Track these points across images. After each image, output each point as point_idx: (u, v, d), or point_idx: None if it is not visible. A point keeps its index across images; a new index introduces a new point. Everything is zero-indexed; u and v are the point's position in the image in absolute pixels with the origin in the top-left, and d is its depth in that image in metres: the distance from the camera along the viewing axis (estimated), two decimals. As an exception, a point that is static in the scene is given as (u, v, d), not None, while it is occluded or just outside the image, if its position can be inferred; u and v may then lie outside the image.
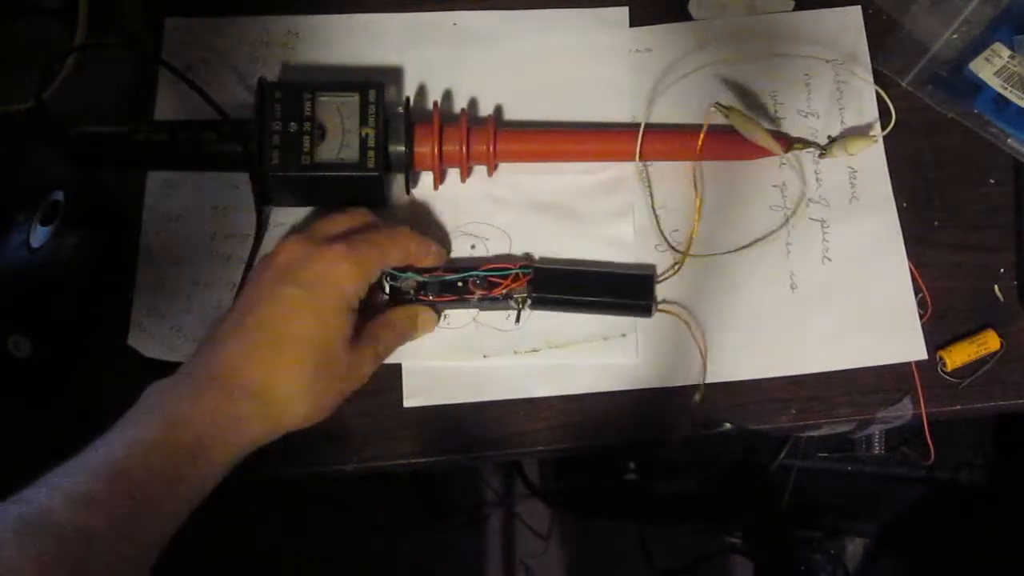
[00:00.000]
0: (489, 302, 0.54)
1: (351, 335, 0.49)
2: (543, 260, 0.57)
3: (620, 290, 0.54)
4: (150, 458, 0.41)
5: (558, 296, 0.54)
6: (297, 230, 0.55)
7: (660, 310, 0.55)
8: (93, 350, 0.55)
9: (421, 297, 0.53)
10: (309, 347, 0.47)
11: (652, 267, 0.56)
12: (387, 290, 0.53)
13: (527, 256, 0.57)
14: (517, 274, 0.54)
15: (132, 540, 0.40)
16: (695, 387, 0.54)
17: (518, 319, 0.55)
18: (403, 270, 0.53)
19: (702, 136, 0.55)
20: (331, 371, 0.48)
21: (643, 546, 1.16)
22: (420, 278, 0.53)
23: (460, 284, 0.54)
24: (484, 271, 0.54)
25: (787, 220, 0.58)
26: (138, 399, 0.44)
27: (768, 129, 0.59)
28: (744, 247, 0.57)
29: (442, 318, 0.55)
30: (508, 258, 0.57)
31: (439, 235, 0.57)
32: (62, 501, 0.38)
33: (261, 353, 0.46)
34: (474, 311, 0.55)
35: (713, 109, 0.55)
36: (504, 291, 0.53)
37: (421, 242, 0.53)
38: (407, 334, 0.53)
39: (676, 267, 0.56)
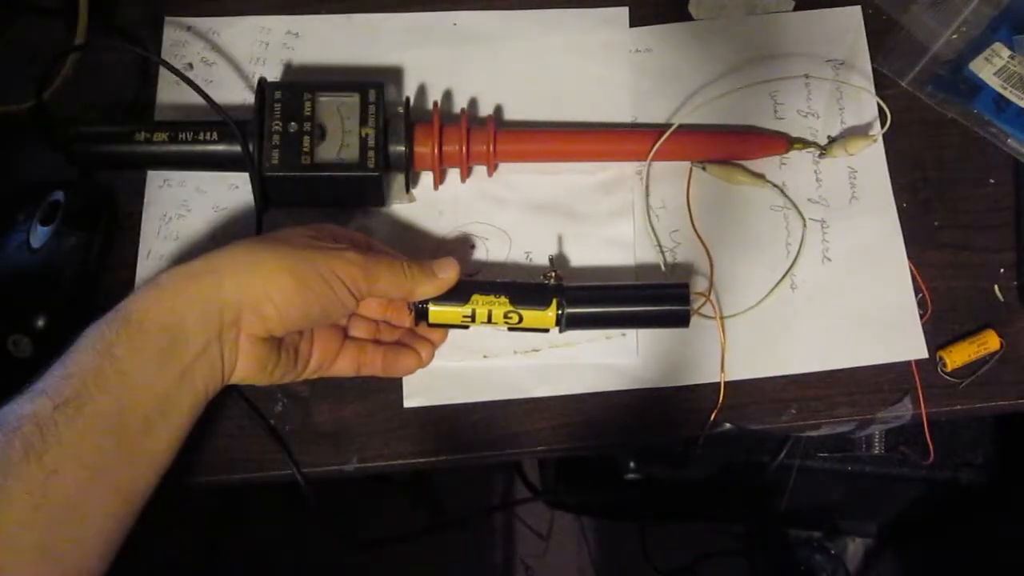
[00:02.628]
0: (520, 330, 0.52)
1: (328, 255, 0.47)
2: (566, 277, 0.54)
3: (656, 301, 0.53)
4: (94, 342, 0.42)
5: (593, 312, 0.52)
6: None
7: (699, 313, 0.55)
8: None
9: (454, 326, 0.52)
10: (297, 264, 0.46)
11: (684, 284, 0.54)
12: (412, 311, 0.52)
13: (551, 272, 0.53)
14: (551, 299, 0.51)
15: (80, 412, 0.40)
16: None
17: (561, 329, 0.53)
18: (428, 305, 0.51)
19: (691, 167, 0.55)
20: (314, 272, 0.46)
21: (643, 546, 1.16)
22: (455, 322, 0.52)
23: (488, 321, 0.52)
24: (513, 309, 0.51)
25: (787, 220, 0.58)
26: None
27: (768, 129, 0.60)
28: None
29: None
30: (527, 271, 0.56)
31: (434, 236, 0.57)
32: (14, 401, 0.40)
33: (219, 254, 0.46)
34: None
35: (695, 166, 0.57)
36: (535, 326, 0.52)
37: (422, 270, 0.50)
38: (405, 284, 0.49)
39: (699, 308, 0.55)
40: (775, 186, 0.58)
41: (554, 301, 0.51)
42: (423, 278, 0.49)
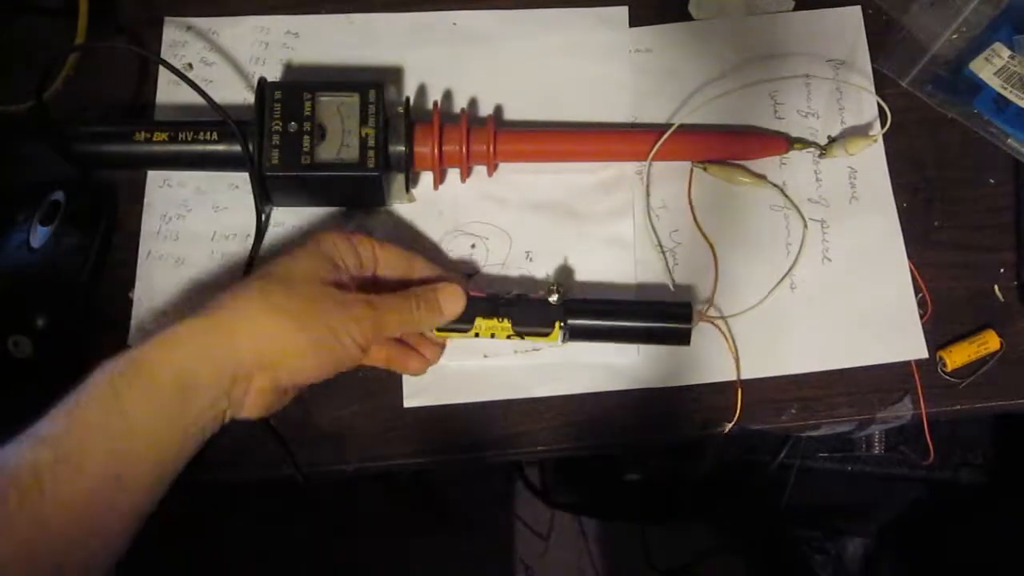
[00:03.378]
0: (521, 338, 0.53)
1: (342, 297, 0.47)
2: (568, 290, 0.55)
3: (658, 318, 0.53)
4: (98, 388, 0.41)
5: (596, 325, 0.52)
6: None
7: (706, 319, 0.55)
8: (93, 350, 0.55)
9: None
10: (310, 320, 0.45)
11: (688, 304, 0.54)
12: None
13: (554, 285, 0.53)
14: (552, 318, 0.52)
15: (81, 470, 0.39)
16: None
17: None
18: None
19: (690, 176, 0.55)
20: (326, 330, 0.46)
21: (643, 546, 1.16)
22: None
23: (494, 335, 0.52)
24: (519, 330, 0.52)
25: (787, 220, 0.58)
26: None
27: (768, 129, 0.59)
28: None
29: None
30: (531, 284, 0.56)
31: (434, 236, 0.57)
32: (14, 444, 0.39)
33: (255, 301, 0.45)
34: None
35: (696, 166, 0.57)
36: (539, 343, 0.53)
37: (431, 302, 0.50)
38: (426, 317, 0.50)
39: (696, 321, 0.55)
40: (775, 186, 0.58)
41: (557, 325, 0.51)
42: (429, 315, 0.50)
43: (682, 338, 0.53)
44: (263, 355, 0.44)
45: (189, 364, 0.43)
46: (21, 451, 0.39)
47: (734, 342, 0.55)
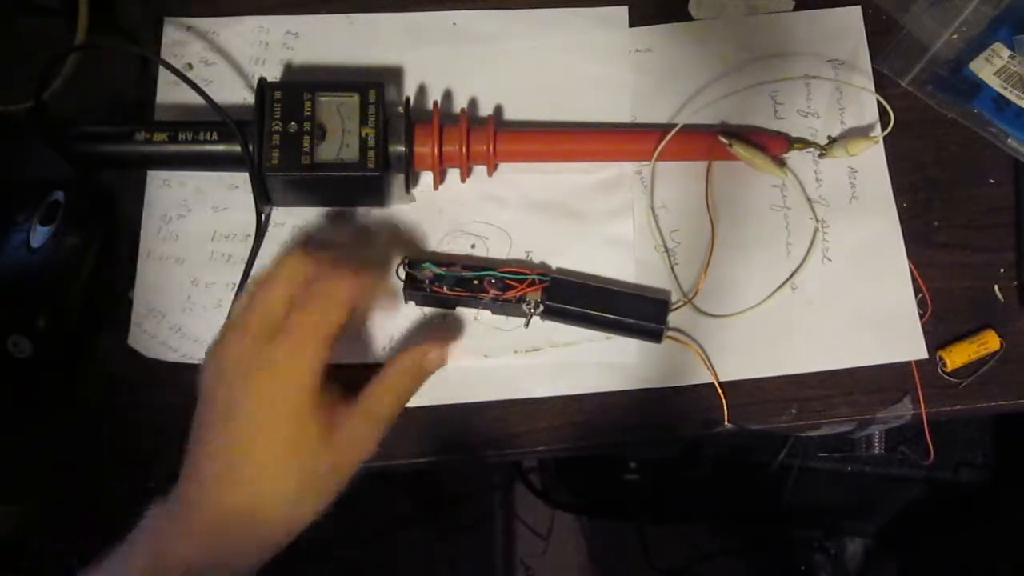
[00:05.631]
0: (501, 304, 0.54)
1: (327, 428, 0.45)
2: (561, 271, 0.56)
3: (633, 312, 0.54)
4: None
5: (571, 308, 0.54)
6: (231, 324, 0.47)
7: (669, 337, 0.55)
8: (93, 350, 0.55)
9: (435, 289, 0.54)
10: (288, 453, 0.44)
11: (667, 292, 0.56)
12: (403, 276, 0.54)
13: (543, 264, 0.56)
14: (534, 280, 0.54)
15: None
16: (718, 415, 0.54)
17: (527, 324, 0.55)
18: (422, 260, 0.54)
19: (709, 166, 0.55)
20: (318, 467, 0.45)
21: (643, 546, 1.16)
22: (437, 270, 0.54)
23: (476, 282, 0.54)
24: (502, 272, 0.54)
25: (787, 220, 0.58)
26: (138, 520, 0.43)
27: (768, 129, 0.59)
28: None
29: (443, 318, 0.55)
30: (525, 263, 0.57)
31: (434, 236, 0.57)
32: None
33: (240, 473, 0.44)
34: (474, 311, 0.55)
35: (722, 138, 0.56)
36: (518, 295, 0.53)
37: (364, 285, 0.49)
38: (411, 386, 0.50)
39: (681, 304, 0.56)
40: (794, 175, 0.58)
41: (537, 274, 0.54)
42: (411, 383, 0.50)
43: (654, 336, 0.53)
44: (293, 532, 0.45)
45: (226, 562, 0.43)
46: None
47: (702, 347, 0.55)
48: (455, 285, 0.54)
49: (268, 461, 0.44)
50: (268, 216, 0.57)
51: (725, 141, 0.56)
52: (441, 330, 0.55)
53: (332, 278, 0.47)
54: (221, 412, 0.45)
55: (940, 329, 0.56)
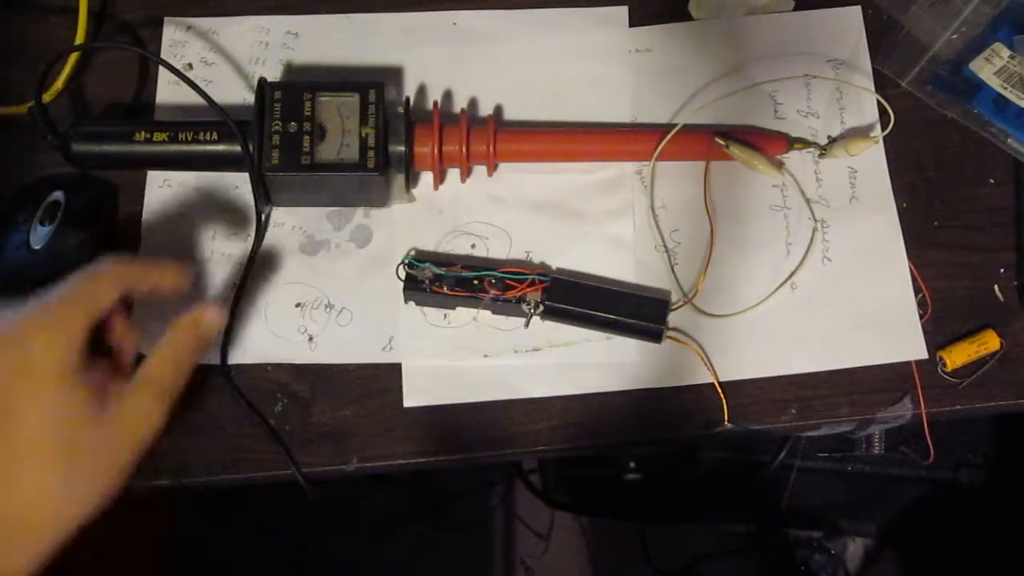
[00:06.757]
0: (501, 304, 0.54)
1: (95, 400, 0.42)
2: (561, 271, 0.56)
3: (633, 312, 0.54)
4: None
5: (570, 308, 0.54)
6: None
7: (669, 337, 0.55)
8: (93, 350, 0.55)
9: (435, 289, 0.54)
10: (52, 443, 0.40)
11: (667, 292, 0.56)
12: (403, 276, 0.54)
13: (543, 264, 0.57)
14: (534, 280, 0.54)
15: None
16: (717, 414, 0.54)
17: (527, 324, 0.55)
18: (422, 260, 0.54)
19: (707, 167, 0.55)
20: (88, 441, 0.41)
21: (643, 546, 1.16)
22: (437, 270, 0.54)
23: (476, 282, 0.54)
24: (502, 272, 0.54)
25: (787, 220, 0.58)
26: None
27: (768, 129, 0.59)
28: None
29: (443, 317, 0.55)
30: (525, 263, 0.57)
31: (434, 236, 0.57)
32: None
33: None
34: (474, 311, 0.55)
35: (718, 140, 0.56)
36: (518, 295, 0.53)
37: (143, 267, 0.47)
38: (191, 353, 0.46)
39: (681, 303, 0.56)
40: (792, 175, 0.58)
41: (537, 274, 0.54)
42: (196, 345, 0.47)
43: (654, 336, 0.53)
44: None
45: None
46: None
47: (702, 347, 0.55)
48: (455, 285, 0.54)
49: (23, 443, 0.40)
50: (268, 216, 0.57)
51: (722, 143, 0.56)
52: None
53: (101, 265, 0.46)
54: None
55: (940, 329, 0.56)
